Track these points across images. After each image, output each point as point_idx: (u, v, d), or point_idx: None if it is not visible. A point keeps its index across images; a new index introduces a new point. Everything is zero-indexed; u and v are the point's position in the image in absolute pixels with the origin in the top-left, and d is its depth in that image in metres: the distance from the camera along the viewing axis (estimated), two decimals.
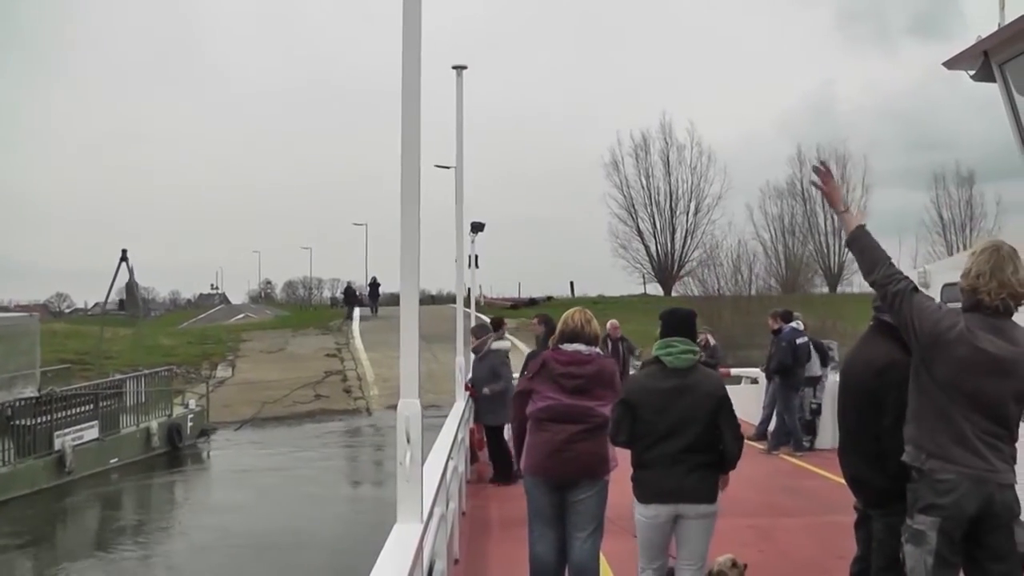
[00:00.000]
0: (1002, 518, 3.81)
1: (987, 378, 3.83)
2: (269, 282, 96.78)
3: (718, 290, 49.59)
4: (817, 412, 13.53)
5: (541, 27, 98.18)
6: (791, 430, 13.26)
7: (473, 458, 11.62)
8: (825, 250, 66.23)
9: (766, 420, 14.00)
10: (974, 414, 3.83)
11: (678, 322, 5.29)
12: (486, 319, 13.54)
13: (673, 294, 60.21)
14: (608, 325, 15.33)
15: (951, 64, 8.96)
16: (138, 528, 17.43)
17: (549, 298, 54.67)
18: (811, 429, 13.53)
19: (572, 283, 66.23)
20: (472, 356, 11.81)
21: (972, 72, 8.70)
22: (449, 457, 6.50)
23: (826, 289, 63.40)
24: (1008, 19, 8.09)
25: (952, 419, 3.83)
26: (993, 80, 8.36)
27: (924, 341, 3.90)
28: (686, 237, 65.21)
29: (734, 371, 18.23)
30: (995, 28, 8.22)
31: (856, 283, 62.48)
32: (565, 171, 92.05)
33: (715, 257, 56.81)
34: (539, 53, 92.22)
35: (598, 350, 6.06)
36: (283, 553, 14.57)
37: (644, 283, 66.19)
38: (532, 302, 48.42)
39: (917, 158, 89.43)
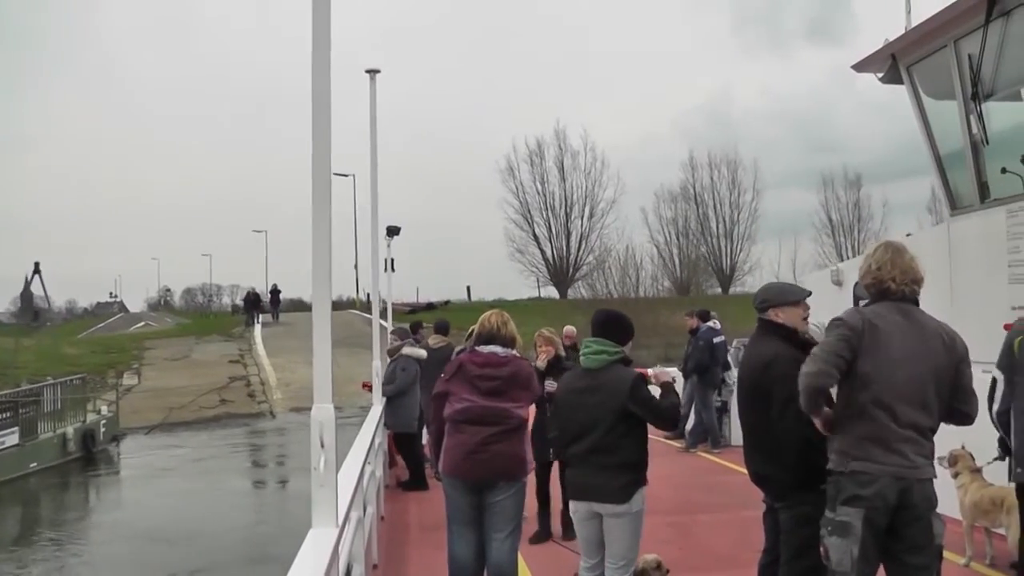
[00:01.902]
0: (920, 509, 3.87)
1: (902, 362, 3.90)
2: (168, 289, 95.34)
3: (607, 293, 51.79)
4: (723, 410, 13.75)
5: (443, 31, 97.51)
6: (709, 428, 13.43)
7: (391, 462, 11.55)
8: (718, 252, 68.32)
9: (684, 419, 14.10)
10: (896, 406, 3.88)
11: (598, 324, 5.32)
12: (405, 325, 13.44)
13: (569, 297, 61.57)
14: (564, 330, 15.24)
15: (860, 67, 9.17)
16: (55, 525, 18.11)
17: (447, 302, 54.96)
18: (720, 427, 13.76)
19: (469, 287, 67.17)
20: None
21: (880, 74, 8.92)
22: (366, 461, 6.39)
23: (719, 290, 65.32)
24: (914, 23, 8.32)
25: (874, 419, 3.89)
26: (901, 82, 8.57)
27: (858, 344, 3.94)
28: (581, 241, 66.66)
29: (651, 371, 18.21)
30: (902, 32, 8.45)
31: (748, 284, 66.18)
32: (465, 175, 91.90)
33: (605, 261, 60.04)
34: (439, 57, 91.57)
35: (515, 352, 6.04)
36: (189, 544, 15.34)
37: (539, 287, 67.57)
38: (430, 306, 48.40)
39: (810, 160, 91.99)
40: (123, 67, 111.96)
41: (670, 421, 5.22)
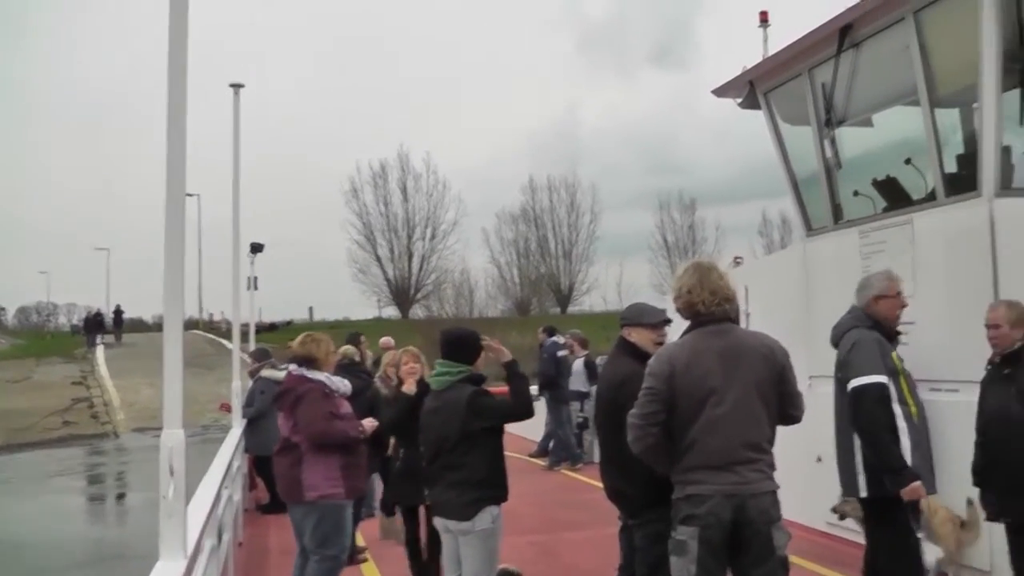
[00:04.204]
0: (757, 524, 3.91)
1: (724, 388, 3.97)
2: (2, 308, 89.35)
3: (444, 313, 54.12)
4: (584, 426, 13.79)
5: (293, 46, 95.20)
6: (565, 445, 13.50)
7: (251, 485, 11.18)
8: (557, 273, 69.67)
9: (548, 436, 14.16)
10: (725, 430, 3.95)
11: (442, 345, 5.36)
12: (265, 346, 13.05)
13: (410, 317, 62.28)
14: (381, 341, 15.07)
15: (720, 92, 9.42)
16: None
17: (289, 322, 54.83)
18: (579, 443, 13.79)
19: (311, 308, 67.43)
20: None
21: (739, 100, 9.19)
22: (222, 485, 6.09)
23: (558, 310, 66.73)
24: (771, 51, 8.61)
25: (705, 447, 3.96)
26: (759, 108, 8.84)
27: (670, 393, 4.01)
28: (423, 262, 67.23)
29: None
30: (758, 59, 8.73)
31: (586, 303, 68.81)
32: (310, 194, 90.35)
33: (443, 282, 63.02)
34: (283, 74, 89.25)
35: (305, 372, 6.08)
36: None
37: (379, 307, 67.88)
38: (272, 327, 47.85)
39: (651, 182, 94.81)
40: None
41: (523, 406, 5.16)
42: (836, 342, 5.48)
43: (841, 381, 5.29)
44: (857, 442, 5.21)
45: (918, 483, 4.95)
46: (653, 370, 4.09)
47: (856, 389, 5.12)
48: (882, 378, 5.13)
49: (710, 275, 4.19)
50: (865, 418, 5.09)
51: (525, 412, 5.16)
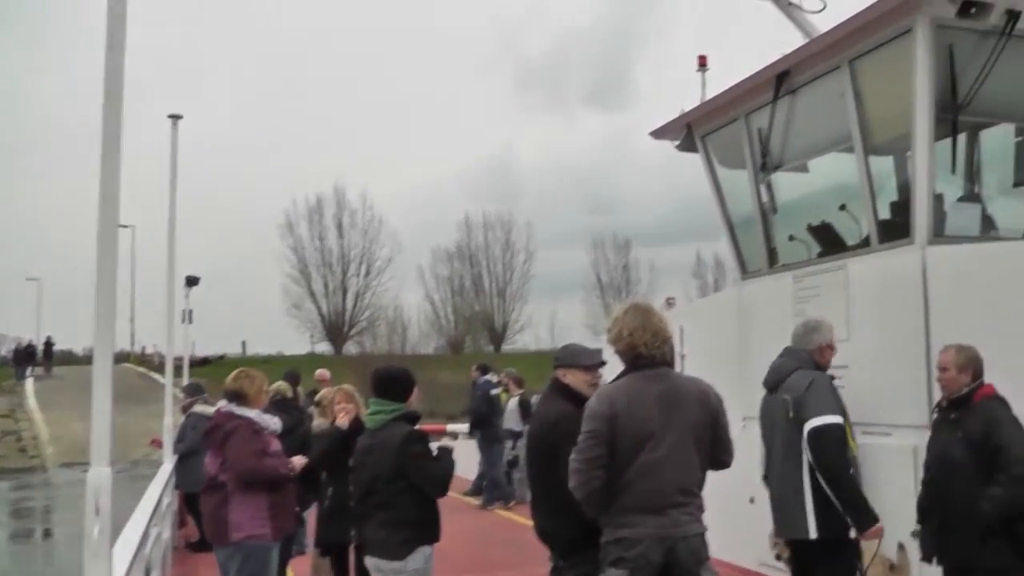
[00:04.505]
0: (687, 564, 3.94)
1: (661, 432, 3.99)
2: None
3: (376, 350, 54.63)
4: (514, 464, 13.72)
5: (234, 78, 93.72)
6: (497, 484, 13.37)
7: (181, 522, 10.89)
8: (491, 311, 69.46)
9: (481, 475, 14.06)
10: (659, 474, 3.97)
11: (375, 383, 5.36)
12: (198, 381, 12.75)
13: (343, 353, 61.64)
14: (316, 373, 14.82)
15: (657, 134, 9.48)
16: None
17: (222, 357, 54.25)
18: (509, 481, 13.74)
19: (244, 342, 65.93)
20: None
21: (677, 142, 9.26)
22: (151, 523, 5.96)
23: (492, 348, 66.50)
24: (709, 95, 8.70)
25: (640, 490, 3.97)
26: (696, 151, 8.91)
27: (611, 435, 4.00)
28: (357, 298, 66.57)
29: (449, 427, 18.45)
30: (697, 103, 8.81)
31: (520, 342, 68.73)
32: (243, 228, 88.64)
33: (377, 318, 62.91)
34: (218, 106, 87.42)
35: (235, 408, 5.96)
36: None
37: (313, 343, 66.95)
38: (205, 361, 47.17)
39: (586, 221, 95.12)
40: None
41: (435, 487, 5.14)
42: (776, 384, 5.48)
43: (795, 421, 5.28)
44: (808, 482, 5.22)
45: (881, 524, 5.03)
46: (594, 411, 4.06)
47: (818, 429, 5.14)
48: (840, 419, 5.20)
49: (651, 317, 4.21)
50: (830, 458, 5.10)
51: (437, 492, 5.15)
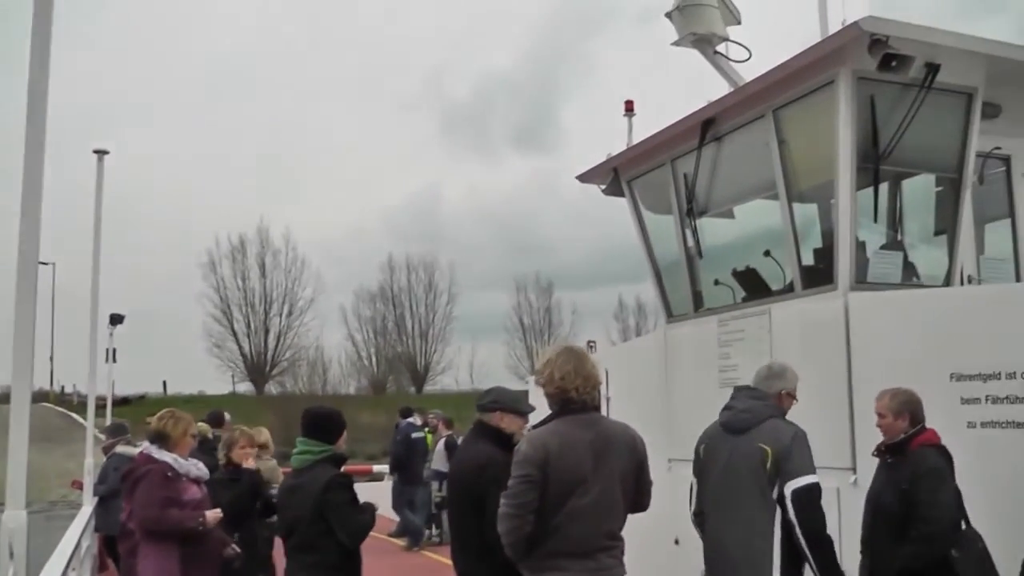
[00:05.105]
0: None
1: (591, 478, 3.98)
2: None
3: (297, 390, 55.04)
4: (442, 506, 13.58)
5: (157, 112, 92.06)
6: (410, 527, 13.28)
7: (102, 566, 10.63)
8: (413, 352, 69.18)
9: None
10: (587, 518, 3.95)
11: (304, 424, 5.26)
12: (122, 421, 12.34)
13: (265, 393, 61.39)
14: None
15: (584, 178, 9.54)
16: None
17: (143, 396, 53.33)
18: (439, 522, 13.69)
19: (165, 381, 64.40)
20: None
21: (603, 186, 9.31)
22: (69, 567, 5.72)
23: (414, 389, 66.24)
24: (636, 140, 8.80)
25: (567, 534, 3.94)
26: (622, 195, 8.98)
27: (544, 480, 3.94)
28: (279, 338, 65.92)
29: (376, 468, 18.35)
30: (624, 147, 8.90)
31: (441, 383, 68.50)
32: (163, 266, 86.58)
33: (299, 358, 62.94)
34: (144, 143, 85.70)
35: (154, 451, 5.74)
36: None
37: (234, 382, 65.96)
38: (125, 400, 46.09)
39: (510, 263, 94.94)
40: None
41: (350, 537, 4.99)
42: (746, 428, 5.09)
43: (772, 474, 4.86)
44: (779, 541, 4.80)
45: None
46: (528, 456, 4.00)
47: (806, 489, 4.78)
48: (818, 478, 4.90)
49: (585, 363, 4.18)
50: (818, 520, 4.77)
51: (352, 543, 5.01)
